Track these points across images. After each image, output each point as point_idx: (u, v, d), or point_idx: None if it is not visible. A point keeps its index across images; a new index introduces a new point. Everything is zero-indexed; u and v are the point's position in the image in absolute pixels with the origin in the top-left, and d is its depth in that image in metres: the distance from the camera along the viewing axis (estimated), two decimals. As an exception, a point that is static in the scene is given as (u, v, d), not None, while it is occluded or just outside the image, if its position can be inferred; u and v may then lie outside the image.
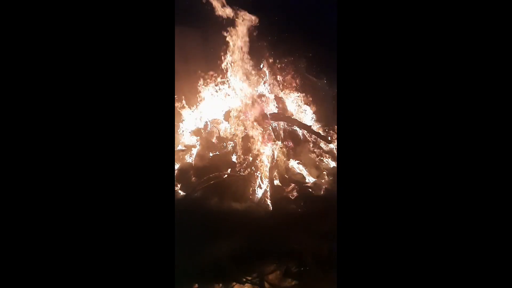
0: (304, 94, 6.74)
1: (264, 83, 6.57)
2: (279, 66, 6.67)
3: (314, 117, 6.73)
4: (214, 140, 6.26)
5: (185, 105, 6.54)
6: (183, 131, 6.59)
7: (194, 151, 6.34)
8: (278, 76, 6.69)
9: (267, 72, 6.59)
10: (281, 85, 6.72)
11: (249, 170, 5.86)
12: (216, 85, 6.55)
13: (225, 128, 6.37)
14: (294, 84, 6.73)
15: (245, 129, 6.07)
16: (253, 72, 6.33)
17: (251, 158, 5.98)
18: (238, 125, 6.23)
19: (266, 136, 6.01)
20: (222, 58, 6.29)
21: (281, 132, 6.29)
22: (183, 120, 6.54)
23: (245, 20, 5.97)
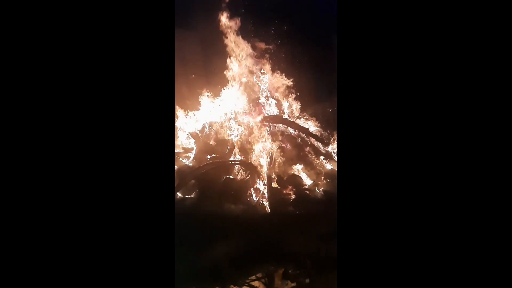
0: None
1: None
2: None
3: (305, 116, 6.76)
4: (212, 142, 6.25)
5: (178, 108, 6.53)
6: (181, 133, 6.58)
7: (192, 153, 6.33)
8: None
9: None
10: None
11: (244, 175, 5.87)
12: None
13: (223, 130, 6.36)
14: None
15: (243, 131, 6.08)
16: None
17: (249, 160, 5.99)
18: (237, 127, 6.24)
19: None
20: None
21: (279, 134, 6.30)
22: (180, 122, 6.53)
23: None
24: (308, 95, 6.75)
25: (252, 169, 5.83)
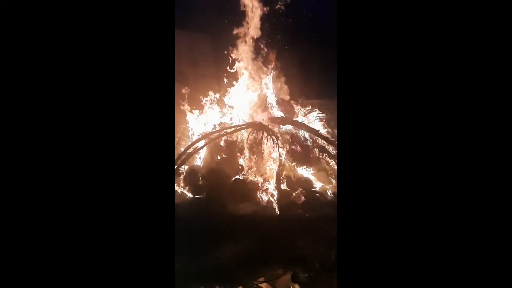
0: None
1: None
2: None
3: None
4: (222, 143, 6.27)
5: (187, 108, 6.59)
6: (191, 134, 6.65)
7: (202, 153, 6.37)
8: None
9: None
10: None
11: (255, 175, 5.85)
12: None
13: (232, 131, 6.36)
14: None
15: (252, 132, 6.05)
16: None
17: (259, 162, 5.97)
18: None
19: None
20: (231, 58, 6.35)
21: (288, 136, 6.25)
22: (190, 123, 6.60)
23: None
24: (316, 96, 6.72)
25: (264, 129, 5.76)
